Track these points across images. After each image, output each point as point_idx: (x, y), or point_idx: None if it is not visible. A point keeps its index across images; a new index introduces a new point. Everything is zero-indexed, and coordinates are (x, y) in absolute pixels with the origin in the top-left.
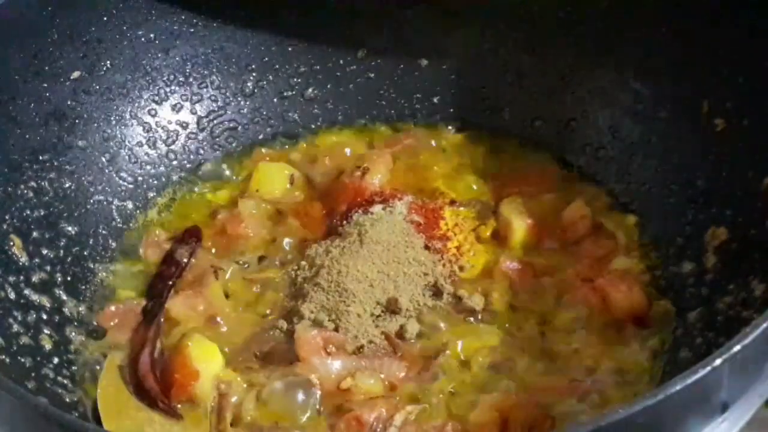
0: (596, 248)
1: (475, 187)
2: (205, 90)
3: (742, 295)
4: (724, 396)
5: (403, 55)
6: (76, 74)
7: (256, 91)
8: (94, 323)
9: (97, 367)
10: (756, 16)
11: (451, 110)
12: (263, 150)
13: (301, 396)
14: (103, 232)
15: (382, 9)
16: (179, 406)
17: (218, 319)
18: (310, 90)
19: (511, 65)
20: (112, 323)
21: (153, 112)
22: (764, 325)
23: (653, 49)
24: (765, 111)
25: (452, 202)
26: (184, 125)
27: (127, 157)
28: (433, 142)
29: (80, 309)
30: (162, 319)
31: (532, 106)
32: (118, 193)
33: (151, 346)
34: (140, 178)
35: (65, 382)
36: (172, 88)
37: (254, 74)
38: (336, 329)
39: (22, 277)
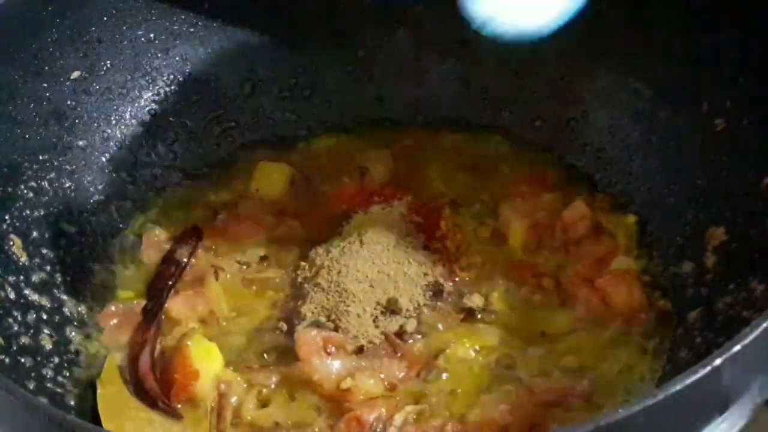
0: (596, 248)
1: (475, 187)
2: (204, 90)
3: (742, 295)
4: (724, 396)
5: (403, 55)
6: (76, 74)
7: (256, 91)
8: (94, 323)
9: (97, 367)
10: (756, 16)
11: (451, 110)
12: (263, 150)
13: None
14: (103, 232)
15: (382, 9)
16: (179, 406)
17: (218, 319)
18: (310, 90)
19: (511, 65)
20: (112, 323)
21: (153, 112)
22: (764, 325)
23: (653, 49)
24: (765, 111)
25: (452, 202)
26: (184, 125)
27: (127, 157)
28: (432, 142)
29: (80, 309)
30: (162, 319)
31: (532, 106)
32: (118, 193)
33: (151, 346)
34: (140, 178)
35: (65, 382)
36: (172, 88)
37: (254, 74)
38: (336, 329)
39: (22, 277)
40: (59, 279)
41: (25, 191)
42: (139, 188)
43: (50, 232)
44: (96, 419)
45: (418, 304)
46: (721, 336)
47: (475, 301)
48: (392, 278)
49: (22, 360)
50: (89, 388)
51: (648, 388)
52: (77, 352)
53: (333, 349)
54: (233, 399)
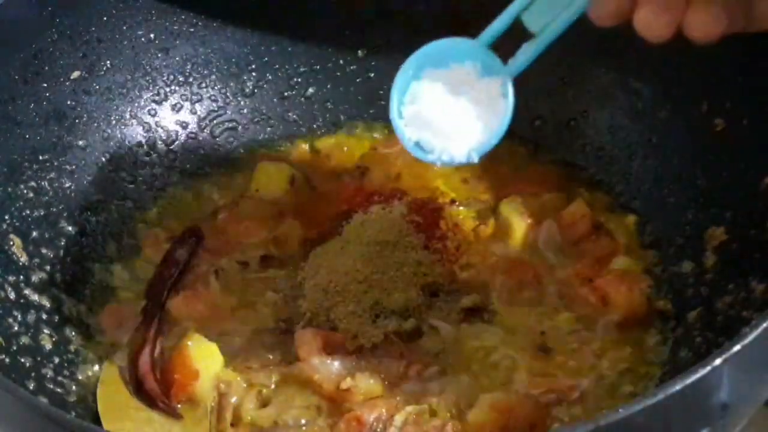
0: (596, 248)
1: (475, 187)
2: (205, 90)
3: (742, 295)
4: (724, 396)
5: (403, 55)
6: (76, 74)
7: (256, 91)
8: (94, 323)
9: (97, 367)
10: None
11: None
12: (263, 150)
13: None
14: (103, 232)
15: (382, 9)
16: (179, 406)
17: (218, 319)
18: (310, 90)
19: None
20: (112, 323)
21: (153, 112)
22: (764, 325)
23: (653, 49)
24: (765, 111)
25: (452, 202)
26: (184, 125)
27: (127, 157)
28: None
29: (80, 309)
30: (162, 319)
31: (532, 106)
32: (117, 193)
33: (151, 346)
34: (140, 178)
35: (65, 382)
36: (172, 88)
37: (254, 74)
38: (336, 329)
39: (22, 277)
40: (59, 279)
41: (25, 191)
42: (139, 188)
43: (50, 232)
44: (96, 419)
45: (418, 304)
46: (721, 336)
47: (475, 301)
48: (392, 278)
49: (22, 360)
50: (89, 388)
51: (648, 388)
52: (77, 352)
53: (333, 349)
54: (233, 399)
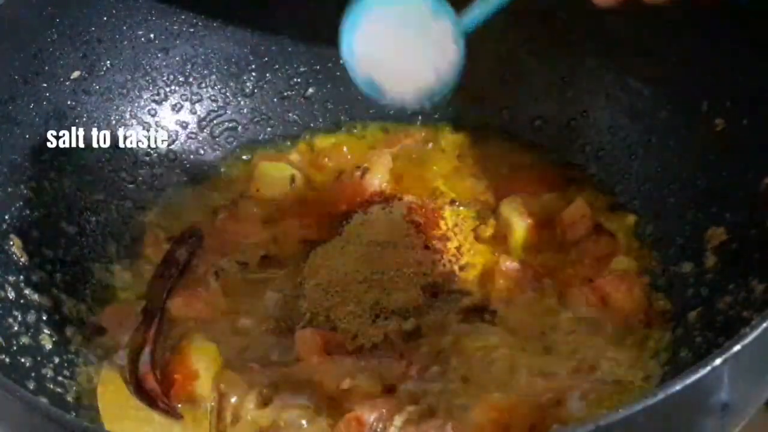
0: (596, 248)
1: (475, 187)
2: (205, 90)
3: (742, 295)
4: (724, 396)
5: None
6: (76, 74)
7: (256, 91)
8: (94, 323)
9: (97, 367)
10: (756, 16)
11: (451, 110)
12: (263, 150)
13: None
14: (103, 232)
15: None
16: (179, 406)
17: (218, 319)
18: (310, 90)
19: (511, 65)
20: (112, 323)
21: (153, 112)
22: (764, 325)
23: (653, 49)
24: (765, 111)
25: (452, 202)
26: (184, 125)
27: (126, 157)
28: (432, 143)
29: (80, 309)
30: (162, 319)
31: (532, 106)
32: (118, 193)
33: (151, 346)
34: (140, 178)
35: (65, 382)
36: (172, 88)
37: (254, 74)
38: (335, 329)
39: (22, 277)
40: (59, 279)
41: (25, 191)
42: (139, 188)
43: (50, 232)
44: (96, 419)
45: (418, 304)
46: (721, 336)
47: (475, 301)
48: (392, 278)
49: (22, 360)
50: (89, 387)
51: (648, 388)
52: (77, 352)
53: (333, 349)
54: (233, 399)
